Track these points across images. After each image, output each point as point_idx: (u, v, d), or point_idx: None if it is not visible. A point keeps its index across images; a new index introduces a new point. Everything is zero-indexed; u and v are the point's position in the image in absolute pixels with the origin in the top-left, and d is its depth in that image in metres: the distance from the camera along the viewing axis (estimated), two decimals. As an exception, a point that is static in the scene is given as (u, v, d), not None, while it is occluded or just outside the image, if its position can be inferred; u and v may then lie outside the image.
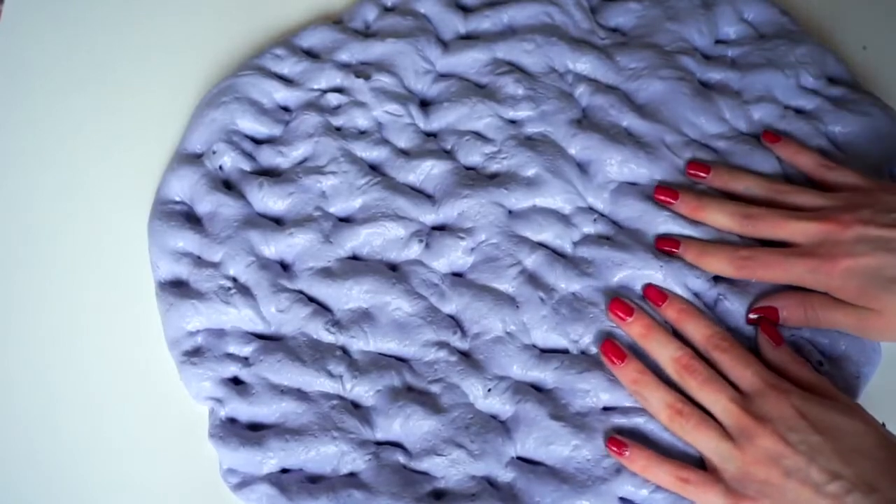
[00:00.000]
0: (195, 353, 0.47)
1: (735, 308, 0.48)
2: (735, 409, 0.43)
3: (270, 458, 0.45)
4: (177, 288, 0.48)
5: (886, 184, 0.47)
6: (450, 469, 0.45)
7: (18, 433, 0.46)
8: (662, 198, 0.49)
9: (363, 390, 0.46)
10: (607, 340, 0.46)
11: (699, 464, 0.44)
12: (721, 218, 0.48)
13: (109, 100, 0.53)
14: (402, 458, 0.45)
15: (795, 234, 0.46)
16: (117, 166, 0.52)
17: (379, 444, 0.45)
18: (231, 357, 0.47)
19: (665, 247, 0.48)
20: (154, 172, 0.51)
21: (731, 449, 0.42)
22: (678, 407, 0.44)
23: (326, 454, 0.45)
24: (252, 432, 0.45)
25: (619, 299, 0.47)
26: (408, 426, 0.45)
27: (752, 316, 0.47)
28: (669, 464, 0.44)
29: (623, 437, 0.45)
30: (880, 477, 0.40)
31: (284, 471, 0.45)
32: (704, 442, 0.43)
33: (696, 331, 0.46)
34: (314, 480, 0.45)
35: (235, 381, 0.47)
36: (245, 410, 0.46)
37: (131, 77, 0.54)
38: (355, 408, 0.46)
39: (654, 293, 0.47)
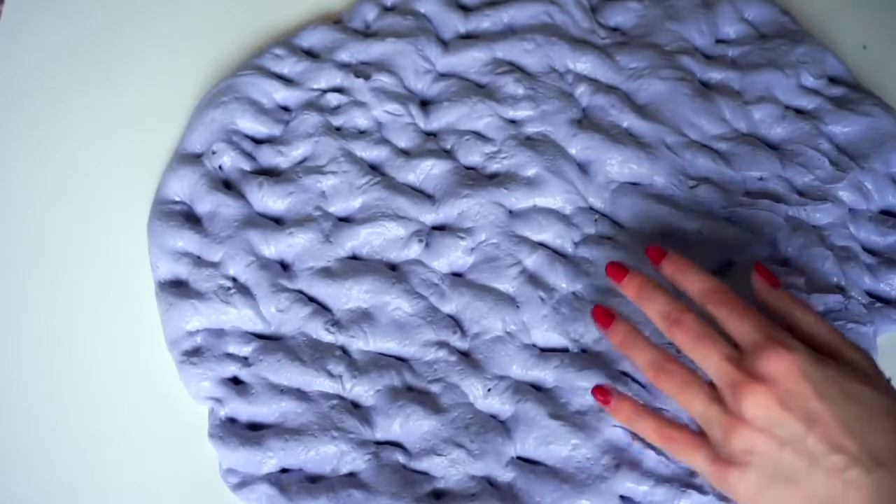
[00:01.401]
0: (195, 353, 0.47)
1: None
2: (728, 367, 0.39)
3: (270, 458, 0.44)
4: (176, 288, 0.48)
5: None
6: (449, 469, 0.45)
7: (17, 433, 0.46)
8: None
9: (363, 390, 0.46)
10: (596, 307, 0.45)
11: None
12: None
13: (109, 100, 0.53)
14: (401, 458, 0.45)
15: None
16: (117, 166, 0.51)
17: (379, 443, 0.45)
18: (231, 357, 0.47)
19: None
20: (154, 172, 0.51)
21: (719, 412, 0.38)
22: (663, 365, 0.41)
23: (326, 454, 0.45)
24: (252, 432, 0.45)
25: (614, 263, 0.45)
26: (407, 426, 0.45)
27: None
28: (655, 418, 0.41)
29: (610, 386, 0.44)
30: (887, 450, 0.36)
31: (284, 471, 0.45)
32: (691, 403, 0.40)
33: (693, 285, 0.42)
34: (314, 480, 0.45)
35: (235, 381, 0.47)
36: (245, 410, 0.46)
37: (131, 77, 0.54)
38: (355, 407, 0.46)
39: (653, 251, 0.45)
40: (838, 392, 0.37)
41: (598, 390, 0.44)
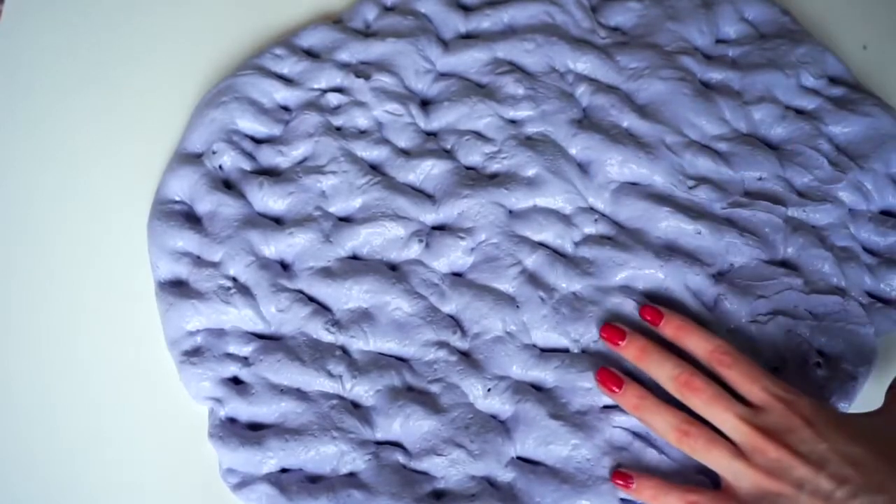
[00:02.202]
0: (195, 353, 0.47)
1: (735, 308, 0.48)
2: (743, 426, 0.41)
3: (270, 458, 0.44)
4: (176, 288, 0.48)
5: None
6: (449, 469, 0.45)
7: (17, 433, 0.46)
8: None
9: (363, 390, 0.46)
10: (602, 369, 0.46)
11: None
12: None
13: (109, 99, 0.53)
14: (401, 458, 0.45)
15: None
16: (117, 166, 0.51)
17: (379, 443, 0.45)
18: (231, 357, 0.47)
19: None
20: (153, 172, 0.51)
21: (744, 466, 0.41)
22: (685, 428, 0.43)
23: (326, 454, 0.45)
24: (252, 432, 0.45)
25: (609, 325, 0.46)
26: (407, 426, 0.45)
27: None
28: (678, 489, 0.43)
29: (628, 469, 0.44)
30: (889, 478, 0.39)
31: (284, 471, 0.45)
32: (716, 461, 0.42)
33: (698, 346, 0.44)
34: (314, 480, 0.45)
35: (235, 381, 0.47)
36: (245, 410, 0.46)
37: (130, 76, 0.53)
38: (355, 407, 0.46)
39: (650, 312, 0.46)
40: (842, 431, 0.41)
41: (618, 476, 0.44)
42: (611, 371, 0.45)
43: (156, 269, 0.48)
